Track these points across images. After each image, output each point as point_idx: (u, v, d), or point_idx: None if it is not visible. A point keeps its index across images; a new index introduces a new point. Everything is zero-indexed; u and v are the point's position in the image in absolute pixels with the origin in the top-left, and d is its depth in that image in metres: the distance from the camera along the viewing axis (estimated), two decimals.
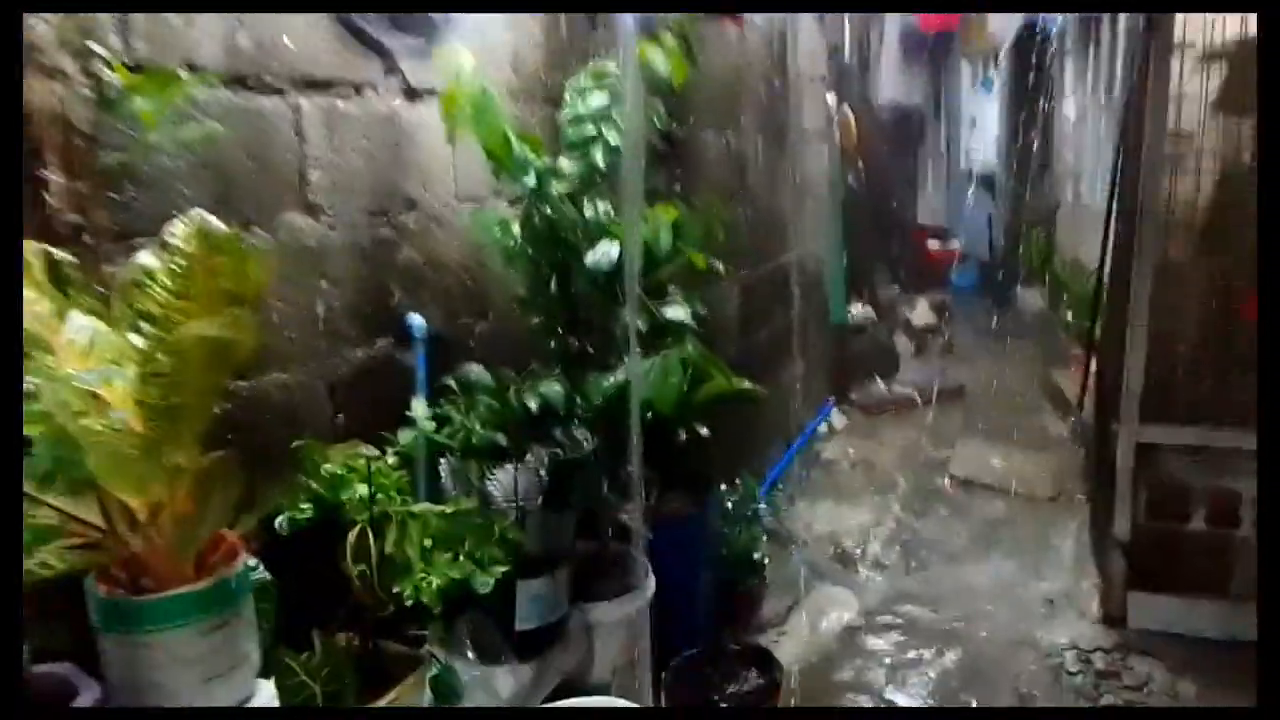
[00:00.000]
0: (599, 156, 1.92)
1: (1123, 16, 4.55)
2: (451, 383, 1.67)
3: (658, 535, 2.42)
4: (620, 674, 2.08)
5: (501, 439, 1.62)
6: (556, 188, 1.72)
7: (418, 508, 1.48)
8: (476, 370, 1.71)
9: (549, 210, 1.70)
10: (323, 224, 1.54)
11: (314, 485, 1.47)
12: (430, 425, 1.65)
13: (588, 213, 1.96)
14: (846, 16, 5.36)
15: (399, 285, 1.74)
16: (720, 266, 2.26)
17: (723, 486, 2.77)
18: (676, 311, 2.13)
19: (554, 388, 1.66)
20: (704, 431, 2.46)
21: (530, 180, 1.63)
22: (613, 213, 1.92)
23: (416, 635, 1.54)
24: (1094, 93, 5.60)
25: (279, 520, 1.41)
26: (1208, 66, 2.60)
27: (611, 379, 1.82)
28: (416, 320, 1.76)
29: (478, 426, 1.61)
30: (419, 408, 1.67)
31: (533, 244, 1.73)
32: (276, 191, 1.45)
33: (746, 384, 2.49)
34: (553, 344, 1.91)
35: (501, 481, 1.64)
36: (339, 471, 1.47)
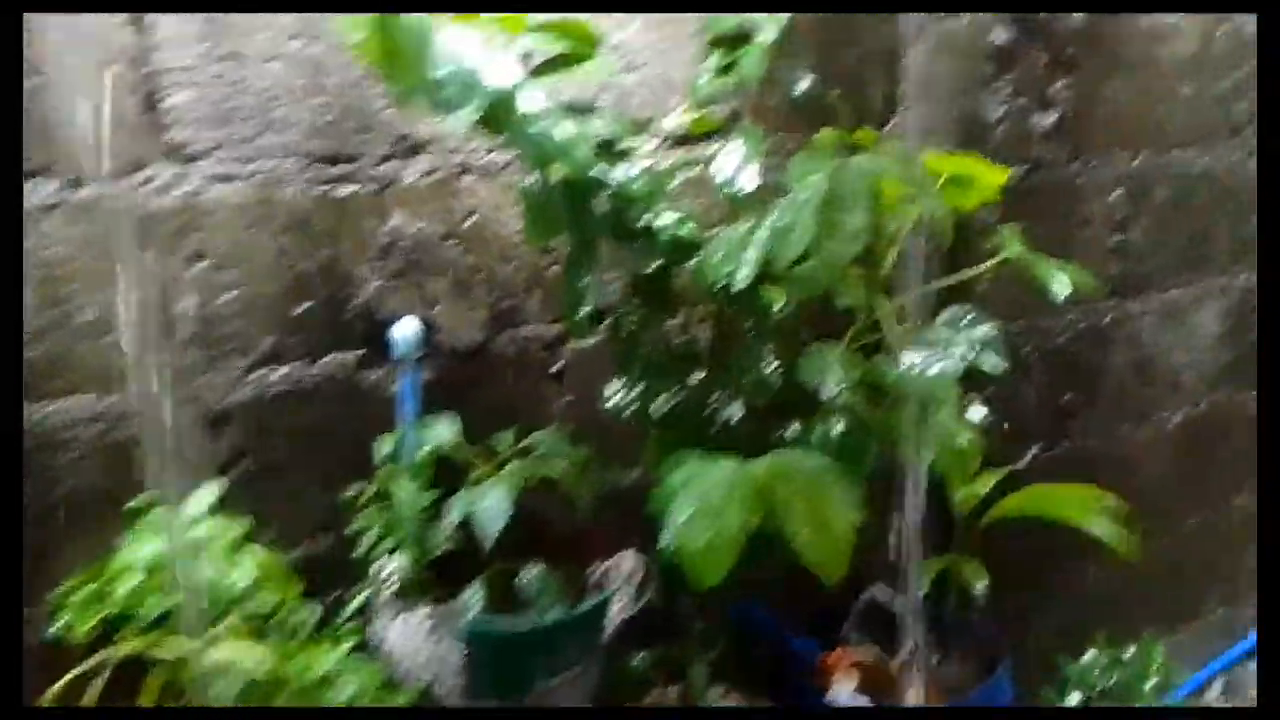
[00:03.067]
0: (749, 62, 1.09)
1: None
2: (386, 451, 1.09)
3: None
4: None
5: (407, 561, 1.01)
6: (592, 129, 0.96)
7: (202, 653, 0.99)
8: (439, 427, 1.10)
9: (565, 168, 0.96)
10: (197, 173, 1.09)
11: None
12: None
13: (723, 172, 1.14)
14: None
15: (378, 271, 1.21)
16: (1062, 284, 1.24)
17: (1070, 660, 1.68)
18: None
19: (494, 501, 0.97)
20: (979, 586, 1.45)
21: (468, 109, 0.91)
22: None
23: None
24: None
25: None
26: None
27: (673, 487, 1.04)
28: (405, 329, 1.22)
29: (381, 537, 1.03)
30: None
31: (542, 226, 1.02)
32: (97, 123, 1.03)
33: (1102, 526, 1.39)
34: (625, 396, 1.19)
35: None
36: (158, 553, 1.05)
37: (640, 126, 1.32)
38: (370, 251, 1.19)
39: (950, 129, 1.45)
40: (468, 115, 0.92)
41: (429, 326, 1.25)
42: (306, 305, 1.16)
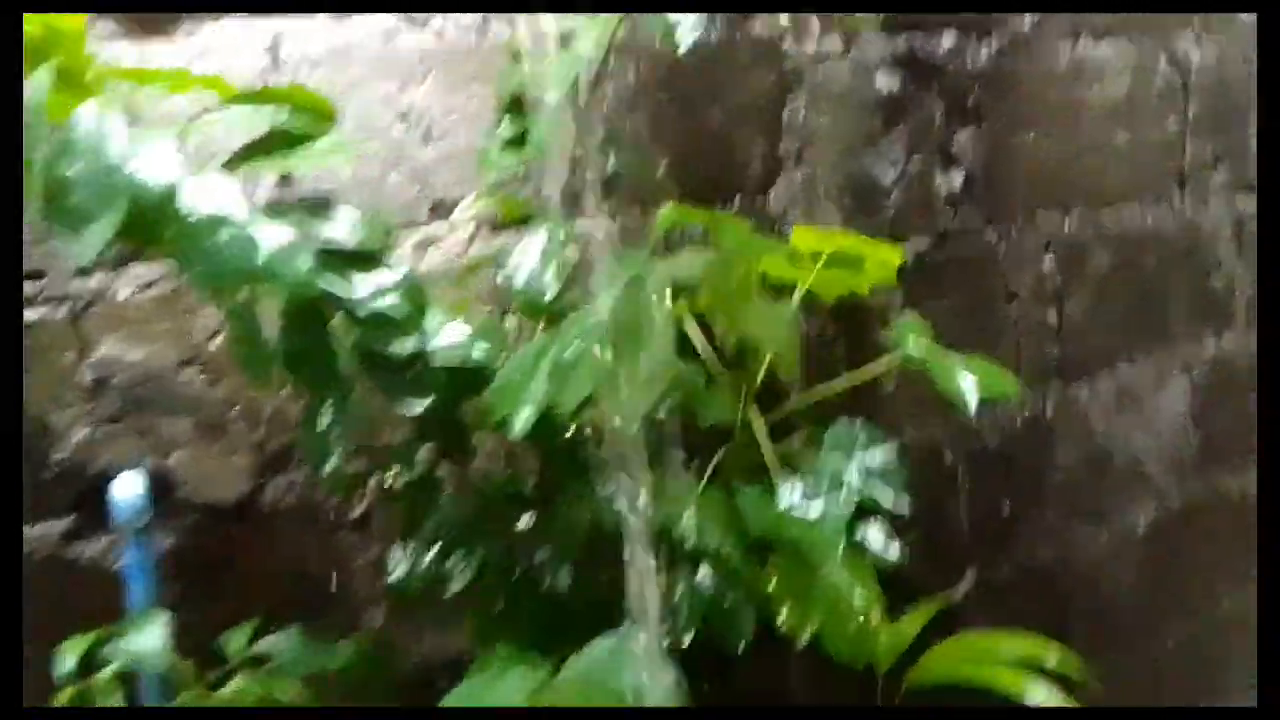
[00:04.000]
0: (540, 129, 0.86)
1: None
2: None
3: None
4: None
5: None
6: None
7: None
8: (141, 631, 0.84)
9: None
10: None
11: None
12: None
13: (519, 273, 0.90)
14: None
15: (86, 416, 0.93)
16: (969, 390, 1.04)
17: None
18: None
19: None
20: None
21: (104, 222, 0.66)
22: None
23: None
24: None
25: None
26: None
27: None
28: (124, 487, 0.96)
29: None
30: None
31: (255, 363, 0.78)
32: None
33: (1043, 694, 1.13)
34: (409, 567, 0.94)
35: None
36: None
37: (445, 211, 1.10)
38: (71, 392, 0.94)
39: (836, 197, 1.24)
40: (102, 231, 0.68)
41: (165, 481, 1.00)
42: None
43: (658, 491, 1.01)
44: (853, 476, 1.02)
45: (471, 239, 1.13)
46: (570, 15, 0.87)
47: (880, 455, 1.06)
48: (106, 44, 0.92)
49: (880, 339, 1.19)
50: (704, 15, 0.82)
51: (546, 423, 0.83)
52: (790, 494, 1.02)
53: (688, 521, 0.98)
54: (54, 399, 0.93)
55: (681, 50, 0.80)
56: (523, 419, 0.77)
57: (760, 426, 1.09)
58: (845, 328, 1.27)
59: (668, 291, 0.74)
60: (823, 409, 1.15)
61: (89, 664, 0.85)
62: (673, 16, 0.80)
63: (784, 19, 1.21)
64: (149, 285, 0.96)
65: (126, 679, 0.87)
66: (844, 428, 1.08)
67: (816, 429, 1.11)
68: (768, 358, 1.10)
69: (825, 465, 1.05)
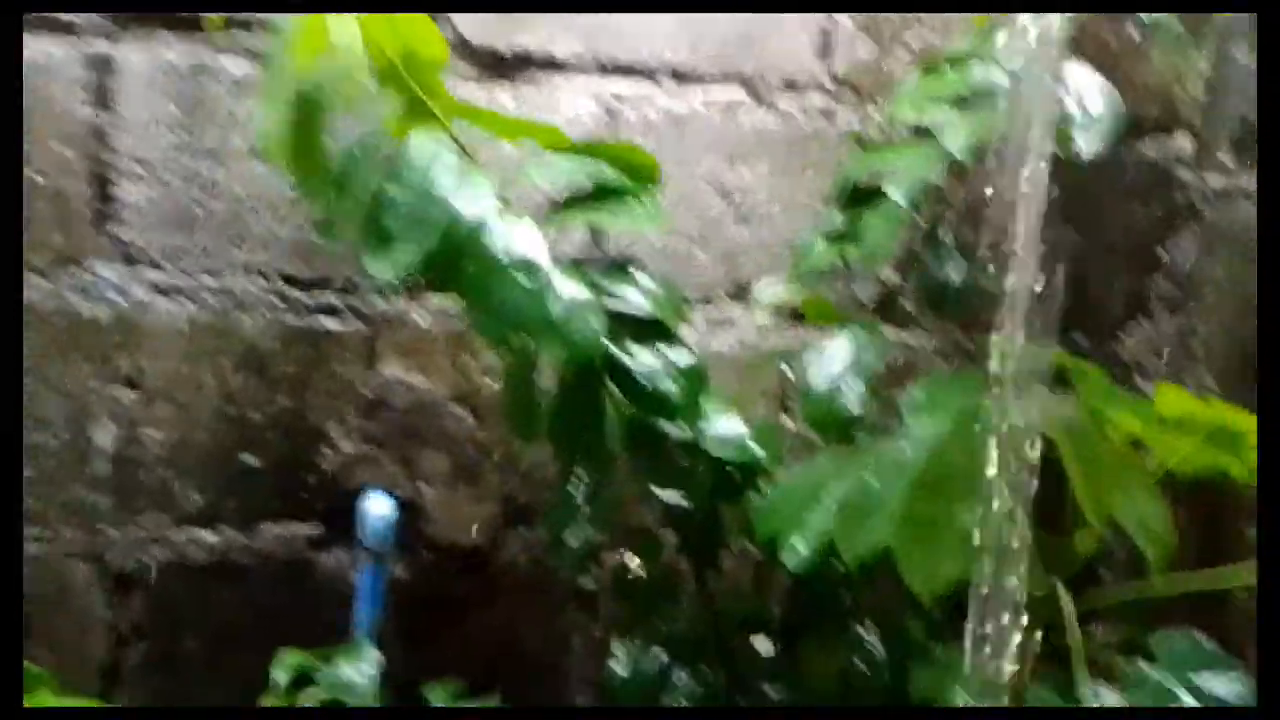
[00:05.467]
0: (876, 228, 0.74)
1: None
2: None
3: None
4: None
5: None
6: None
7: None
8: (350, 661, 0.79)
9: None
10: (142, 282, 0.89)
11: None
12: None
13: (816, 379, 0.77)
14: None
15: (356, 432, 0.94)
16: None
17: None
18: None
19: None
20: None
21: (409, 248, 0.60)
22: None
23: None
24: None
25: None
26: None
27: None
28: (377, 508, 0.94)
29: None
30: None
31: (525, 421, 0.71)
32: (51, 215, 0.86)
33: None
34: (625, 669, 0.82)
35: None
36: None
37: (740, 291, 1.01)
38: (349, 406, 0.95)
39: (1214, 359, 1.01)
40: (409, 254, 0.65)
41: (414, 511, 0.98)
42: (254, 463, 0.93)
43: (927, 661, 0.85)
44: (1186, 702, 0.79)
45: (768, 329, 1.04)
46: (940, 106, 0.76)
47: (1225, 684, 0.82)
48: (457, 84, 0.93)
49: (1244, 537, 0.95)
50: (1111, 125, 0.67)
51: (818, 560, 0.71)
52: (1097, 703, 0.82)
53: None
54: (331, 409, 0.95)
55: (1084, 156, 0.66)
56: (798, 555, 0.65)
57: (1070, 610, 0.90)
58: (1197, 513, 1.03)
59: (1037, 440, 0.59)
60: (1147, 607, 0.93)
61: (300, 680, 0.83)
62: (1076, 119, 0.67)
63: (1185, 143, 1.03)
64: (447, 314, 0.96)
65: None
66: (1181, 640, 0.85)
67: (1139, 629, 0.90)
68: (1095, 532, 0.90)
69: (1151, 681, 0.83)
